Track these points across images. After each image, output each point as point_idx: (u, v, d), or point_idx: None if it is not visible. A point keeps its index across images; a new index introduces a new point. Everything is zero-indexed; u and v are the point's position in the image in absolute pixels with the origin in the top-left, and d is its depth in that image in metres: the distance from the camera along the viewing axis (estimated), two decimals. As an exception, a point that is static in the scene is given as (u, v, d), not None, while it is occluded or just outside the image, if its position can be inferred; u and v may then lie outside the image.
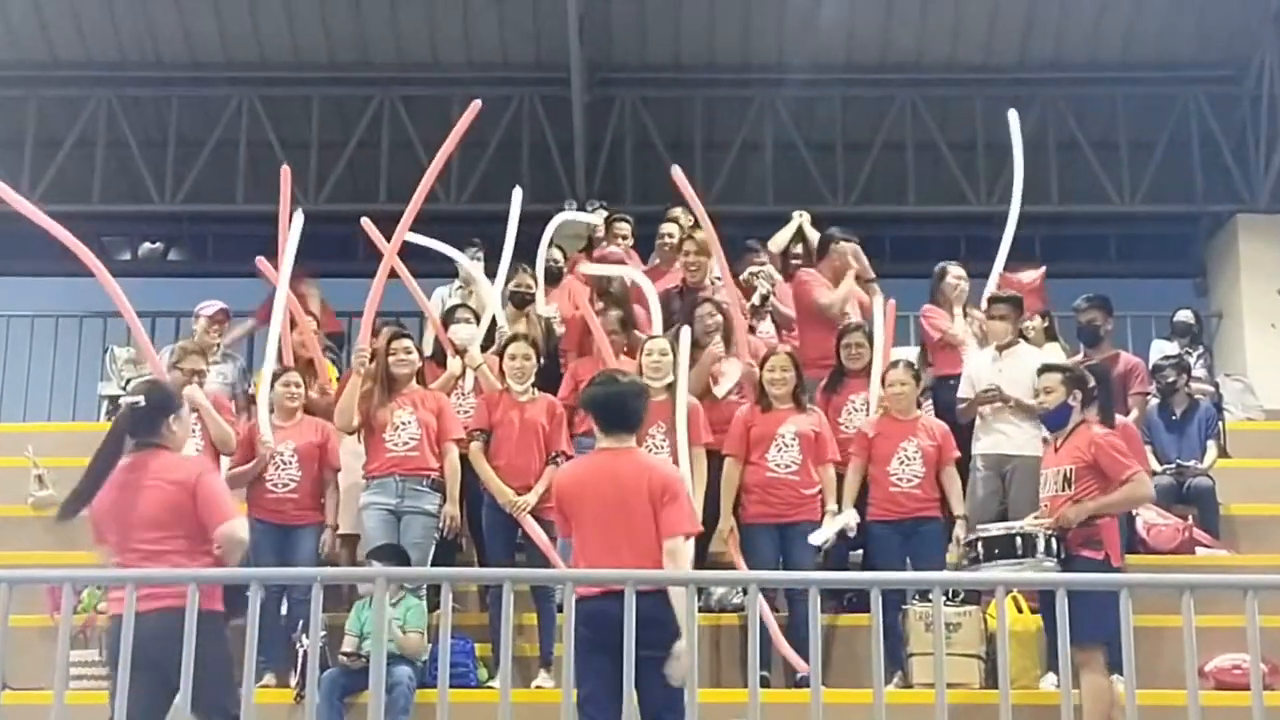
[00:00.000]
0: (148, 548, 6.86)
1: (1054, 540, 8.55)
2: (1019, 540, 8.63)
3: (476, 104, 10.43)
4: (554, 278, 12.12)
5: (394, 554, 9.29)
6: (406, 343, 10.14)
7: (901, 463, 9.83)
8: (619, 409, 7.30)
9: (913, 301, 11.95)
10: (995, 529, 8.93)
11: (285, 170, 10.88)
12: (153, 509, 6.93)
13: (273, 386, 10.18)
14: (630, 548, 6.93)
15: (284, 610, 9.59)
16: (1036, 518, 8.82)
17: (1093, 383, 9.11)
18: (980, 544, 8.81)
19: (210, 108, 17.12)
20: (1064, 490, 8.68)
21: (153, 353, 10.56)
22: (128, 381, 13.66)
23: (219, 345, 11.76)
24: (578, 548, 7.17)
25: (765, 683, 9.07)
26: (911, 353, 11.50)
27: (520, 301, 11.35)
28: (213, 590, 6.72)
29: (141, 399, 7.22)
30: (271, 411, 10.07)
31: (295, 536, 9.83)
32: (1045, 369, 9.22)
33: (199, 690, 5.85)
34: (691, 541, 7.18)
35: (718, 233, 10.97)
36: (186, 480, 6.99)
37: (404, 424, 9.82)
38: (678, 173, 10.62)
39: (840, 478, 9.95)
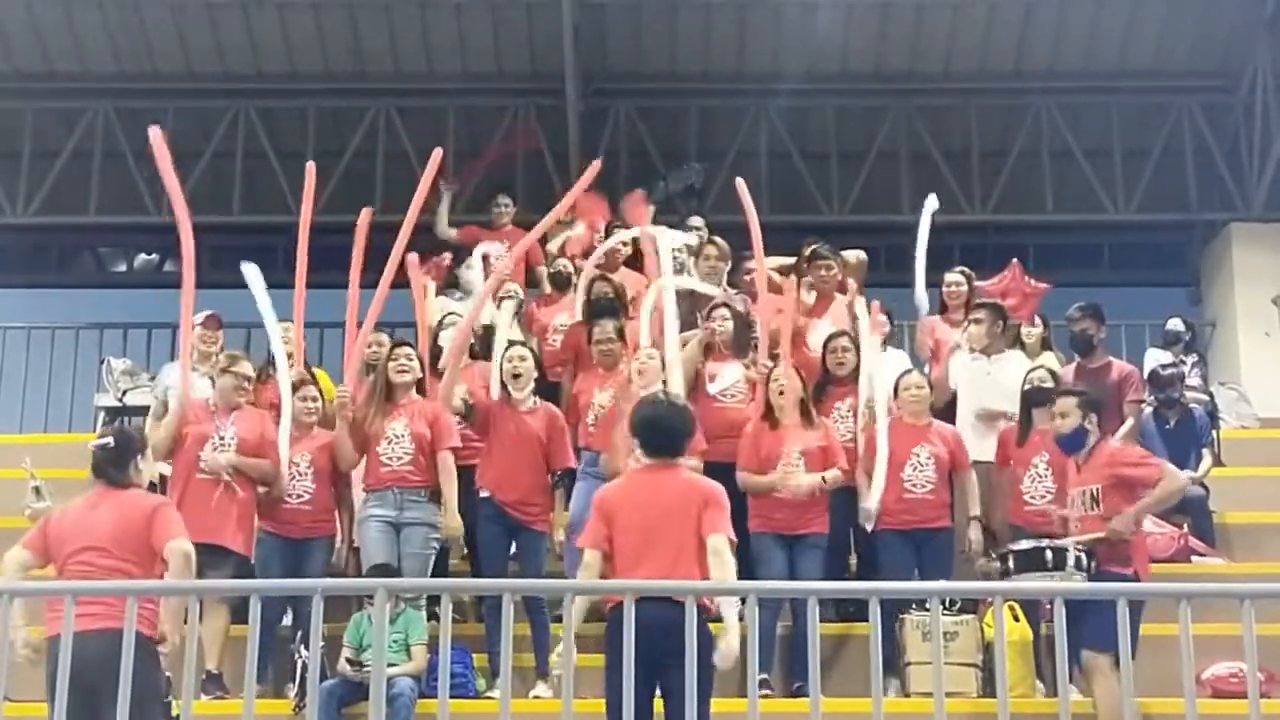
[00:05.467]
0: (101, 563, 7.22)
1: (1084, 555, 8.60)
2: (1049, 554, 8.68)
3: (438, 152, 10.57)
4: (563, 284, 12.14)
5: (393, 575, 9.27)
6: (409, 349, 10.15)
7: (915, 469, 9.83)
8: (664, 432, 7.51)
9: (908, 310, 12.00)
10: (1026, 543, 8.95)
11: (310, 167, 10.83)
12: (109, 531, 7.32)
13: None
14: (676, 559, 7.13)
15: (287, 620, 9.63)
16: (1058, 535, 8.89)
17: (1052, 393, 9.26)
18: (1011, 558, 8.86)
19: (206, 119, 17.11)
20: (1092, 510, 8.76)
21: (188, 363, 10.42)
22: (124, 393, 13.69)
23: (214, 354, 11.65)
24: (618, 560, 7.27)
25: (766, 685, 9.12)
26: (903, 357, 11.57)
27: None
28: (152, 616, 7.09)
29: (110, 440, 7.66)
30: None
31: (306, 549, 9.83)
32: (1061, 393, 9.30)
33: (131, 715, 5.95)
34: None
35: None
36: (145, 507, 7.46)
37: (398, 436, 9.81)
38: (741, 185, 10.76)
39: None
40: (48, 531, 7.53)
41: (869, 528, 9.88)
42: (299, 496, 9.89)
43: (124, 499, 7.48)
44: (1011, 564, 8.82)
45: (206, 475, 9.64)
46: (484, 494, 9.80)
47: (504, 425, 9.85)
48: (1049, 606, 8.19)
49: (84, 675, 6.29)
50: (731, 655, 7.14)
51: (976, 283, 11.87)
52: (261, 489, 9.80)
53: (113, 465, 7.57)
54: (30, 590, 7.27)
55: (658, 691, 7.08)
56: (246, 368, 10.15)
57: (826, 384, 10.57)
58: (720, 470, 9.53)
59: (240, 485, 9.67)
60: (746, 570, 9.68)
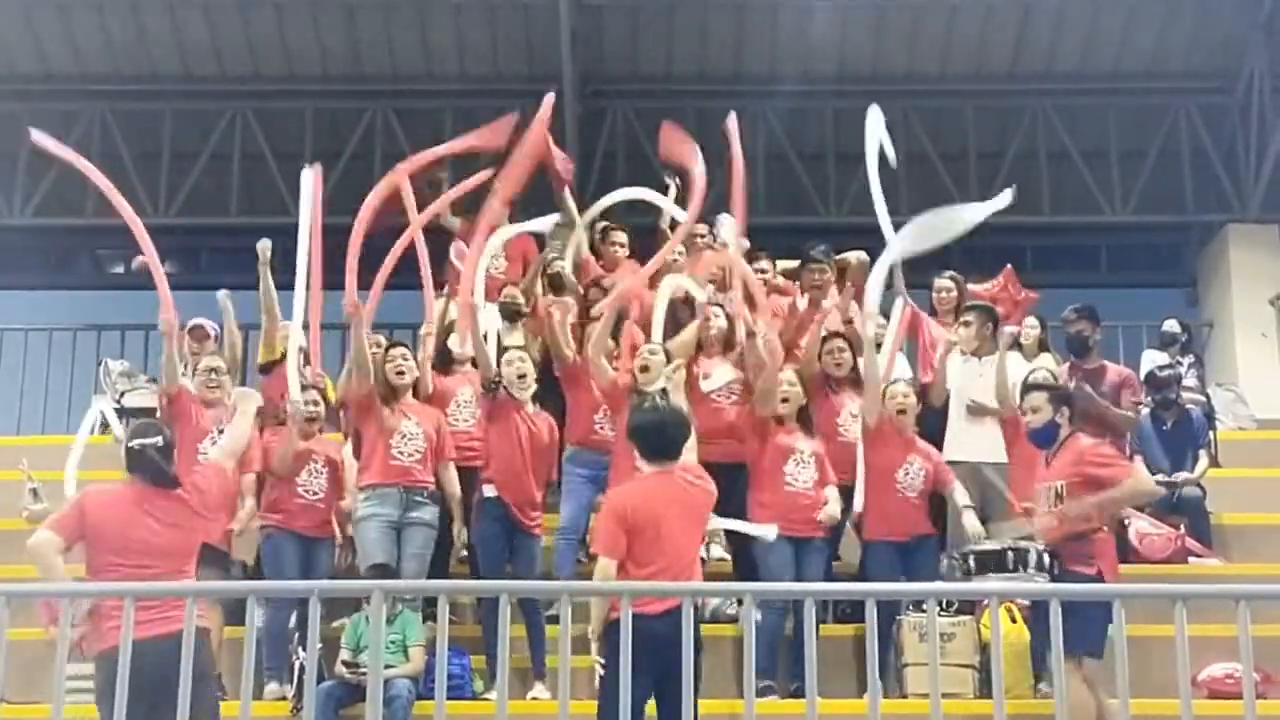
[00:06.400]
0: (157, 572, 7.10)
1: (1045, 555, 8.54)
2: (1010, 555, 8.62)
3: (550, 98, 10.49)
4: (560, 286, 12.11)
5: (391, 575, 9.27)
6: (404, 349, 10.15)
7: (908, 474, 9.79)
8: (662, 437, 7.54)
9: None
10: (987, 544, 8.92)
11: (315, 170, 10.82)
12: (167, 541, 7.25)
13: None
14: (695, 564, 7.27)
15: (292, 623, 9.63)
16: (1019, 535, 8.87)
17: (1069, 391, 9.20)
18: (972, 558, 8.81)
19: (204, 120, 17.14)
20: (1054, 506, 8.65)
21: (168, 298, 10.36)
22: (122, 394, 13.66)
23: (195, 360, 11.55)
24: (636, 565, 7.24)
25: (770, 690, 9.13)
26: (901, 360, 11.56)
27: (509, 315, 11.32)
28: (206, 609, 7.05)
29: (161, 439, 7.50)
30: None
31: (316, 550, 9.82)
32: (1030, 387, 9.15)
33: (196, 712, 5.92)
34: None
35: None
36: (190, 504, 7.39)
37: (411, 434, 9.82)
38: (732, 120, 10.74)
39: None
40: (85, 516, 7.28)
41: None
42: (314, 492, 9.87)
43: (175, 506, 7.38)
44: (972, 565, 8.77)
45: None
46: (489, 493, 9.76)
47: (515, 425, 9.80)
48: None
49: (145, 682, 6.16)
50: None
51: (968, 286, 11.87)
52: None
53: (166, 461, 7.43)
54: (25, 592, 7.27)
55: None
56: (213, 361, 10.15)
57: (827, 386, 10.54)
58: (714, 470, 9.53)
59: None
60: (750, 569, 9.73)
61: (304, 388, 10.09)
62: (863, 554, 9.96)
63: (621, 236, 12.37)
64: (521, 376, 9.84)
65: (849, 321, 11.06)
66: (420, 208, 10.98)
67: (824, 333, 10.75)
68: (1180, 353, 13.35)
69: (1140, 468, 9.01)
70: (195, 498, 7.42)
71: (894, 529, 9.73)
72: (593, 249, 12.33)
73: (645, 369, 9.75)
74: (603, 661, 7.20)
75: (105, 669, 6.45)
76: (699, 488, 7.55)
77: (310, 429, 10.01)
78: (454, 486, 9.90)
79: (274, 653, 9.43)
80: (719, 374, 10.41)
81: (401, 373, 9.98)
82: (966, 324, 10.88)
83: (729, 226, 11.23)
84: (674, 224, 12.36)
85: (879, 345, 10.55)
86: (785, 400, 9.88)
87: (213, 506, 7.57)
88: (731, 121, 10.75)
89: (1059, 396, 8.93)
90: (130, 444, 7.53)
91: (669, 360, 9.87)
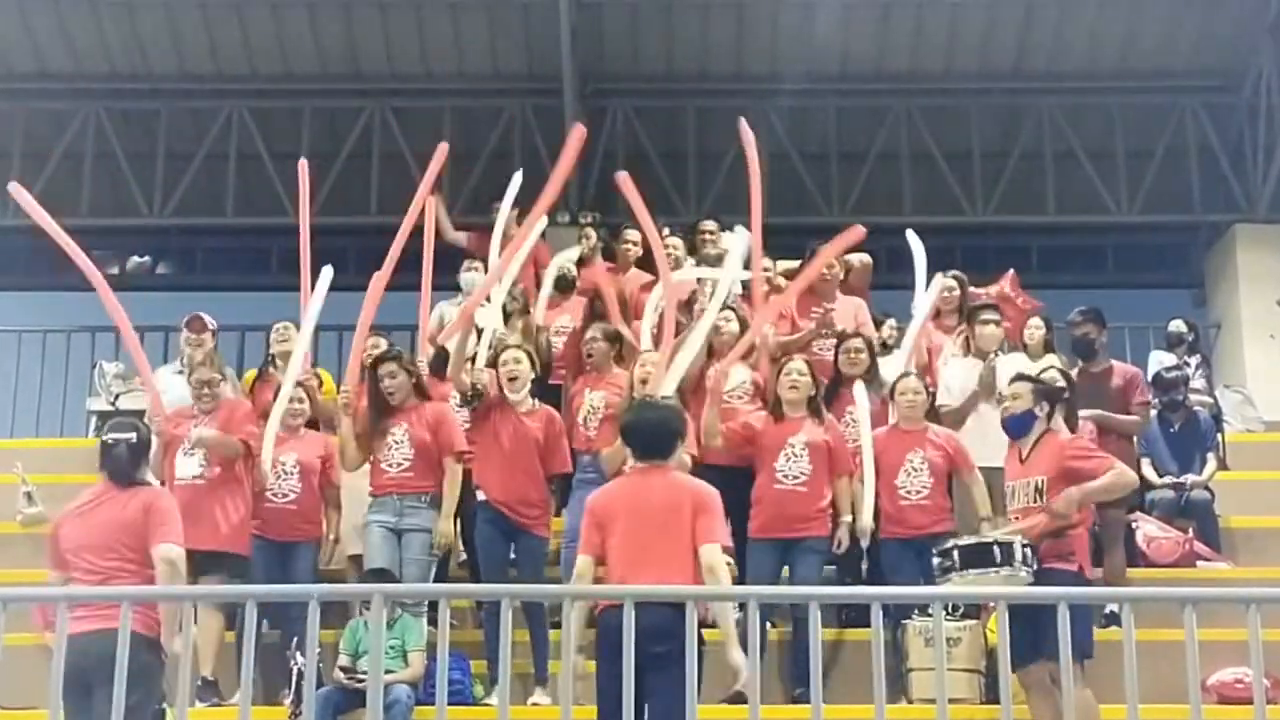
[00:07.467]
0: (101, 564, 7.15)
1: (1029, 550, 8.45)
2: (996, 549, 8.50)
3: (444, 147, 10.52)
4: (567, 286, 12.04)
5: (389, 579, 9.19)
6: (391, 366, 9.99)
7: (908, 474, 9.69)
8: (654, 436, 7.50)
9: (906, 312, 11.92)
10: (971, 538, 8.82)
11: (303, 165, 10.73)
12: (108, 529, 7.23)
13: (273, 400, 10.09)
14: (668, 563, 7.06)
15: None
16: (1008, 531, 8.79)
17: (1065, 391, 9.12)
18: (956, 553, 8.69)
19: (200, 120, 17.06)
20: (1036, 502, 8.62)
21: (147, 367, 10.40)
22: (116, 396, 13.59)
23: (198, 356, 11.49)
24: (611, 565, 7.24)
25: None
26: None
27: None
28: (156, 616, 7.03)
29: (134, 436, 7.51)
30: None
31: (292, 552, 9.76)
32: (1017, 378, 9.15)
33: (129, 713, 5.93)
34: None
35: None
36: (139, 502, 7.33)
37: (397, 443, 9.74)
38: (744, 127, 10.62)
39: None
40: (58, 543, 7.40)
41: (863, 543, 9.74)
42: (284, 496, 9.82)
43: (126, 496, 7.35)
44: (956, 559, 8.62)
45: (184, 481, 9.52)
46: (481, 496, 9.72)
47: (502, 426, 9.77)
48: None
49: (85, 675, 6.30)
50: (742, 665, 7.05)
51: (971, 288, 11.79)
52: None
53: (130, 462, 7.44)
54: (24, 597, 7.18)
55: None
56: (204, 373, 10.02)
57: (839, 385, 10.45)
58: (728, 474, 9.45)
59: (223, 478, 9.56)
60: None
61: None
62: (873, 551, 9.85)
63: (635, 235, 12.32)
64: (513, 379, 9.75)
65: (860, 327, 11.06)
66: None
67: (839, 329, 10.87)
68: (1187, 353, 13.23)
69: (1120, 463, 8.95)
70: (142, 505, 7.36)
71: (899, 529, 9.66)
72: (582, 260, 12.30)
73: (645, 381, 9.69)
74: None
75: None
76: (685, 488, 7.42)
77: (294, 423, 10.03)
78: (451, 484, 9.75)
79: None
80: (732, 376, 10.36)
81: (392, 393, 9.88)
82: (995, 323, 10.87)
83: (742, 241, 11.06)
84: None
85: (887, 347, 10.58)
86: (794, 388, 9.80)
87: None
88: (744, 128, 10.62)
89: (1041, 391, 8.88)
90: (105, 437, 7.58)
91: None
